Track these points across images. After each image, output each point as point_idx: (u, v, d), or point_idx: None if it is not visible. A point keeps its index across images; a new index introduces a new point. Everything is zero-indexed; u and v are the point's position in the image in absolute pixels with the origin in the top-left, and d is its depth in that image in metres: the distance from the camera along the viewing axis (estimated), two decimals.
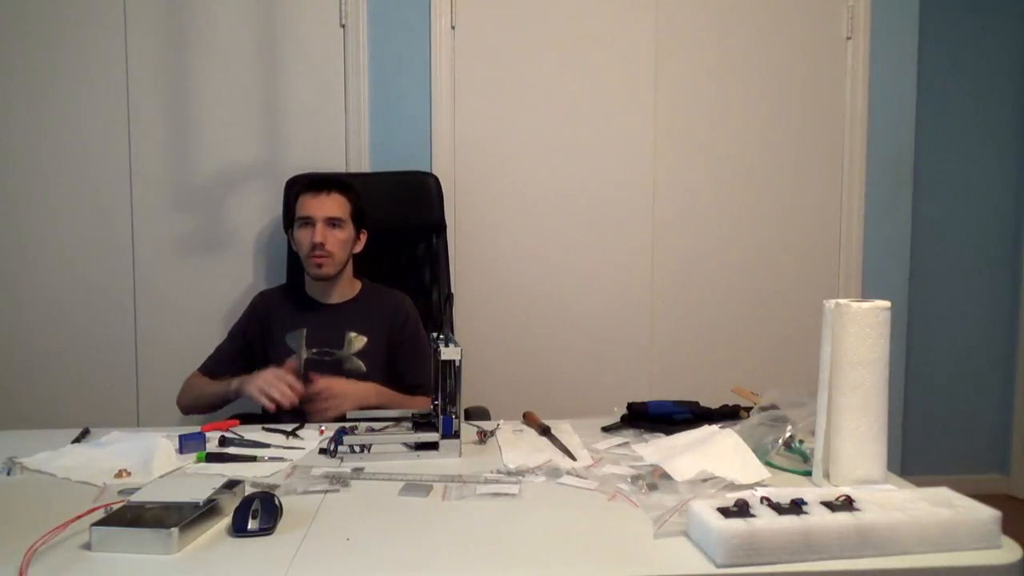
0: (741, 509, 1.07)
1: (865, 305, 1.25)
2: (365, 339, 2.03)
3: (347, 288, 2.09)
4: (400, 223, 2.46)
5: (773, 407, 1.52)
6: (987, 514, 1.09)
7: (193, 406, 2.01)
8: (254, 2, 2.63)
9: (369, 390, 1.89)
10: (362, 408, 1.80)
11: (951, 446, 3.24)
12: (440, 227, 2.48)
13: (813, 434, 1.34)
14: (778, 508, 1.08)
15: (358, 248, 2.11)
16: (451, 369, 1.53)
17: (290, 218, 2.12)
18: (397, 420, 1.73)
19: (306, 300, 2.09)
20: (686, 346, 2.88)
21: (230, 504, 1.17)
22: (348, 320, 2.05)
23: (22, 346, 2.62)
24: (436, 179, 2.51)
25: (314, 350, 2.01)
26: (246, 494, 1.19)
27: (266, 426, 1.71)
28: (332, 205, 2.02)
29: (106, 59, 2.59)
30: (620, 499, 1.26)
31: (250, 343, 2.09)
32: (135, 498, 1.16)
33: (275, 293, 2.18)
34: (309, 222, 2.01)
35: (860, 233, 2.90)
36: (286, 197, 2.43)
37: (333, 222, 2.01)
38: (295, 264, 2.39)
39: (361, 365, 2.01)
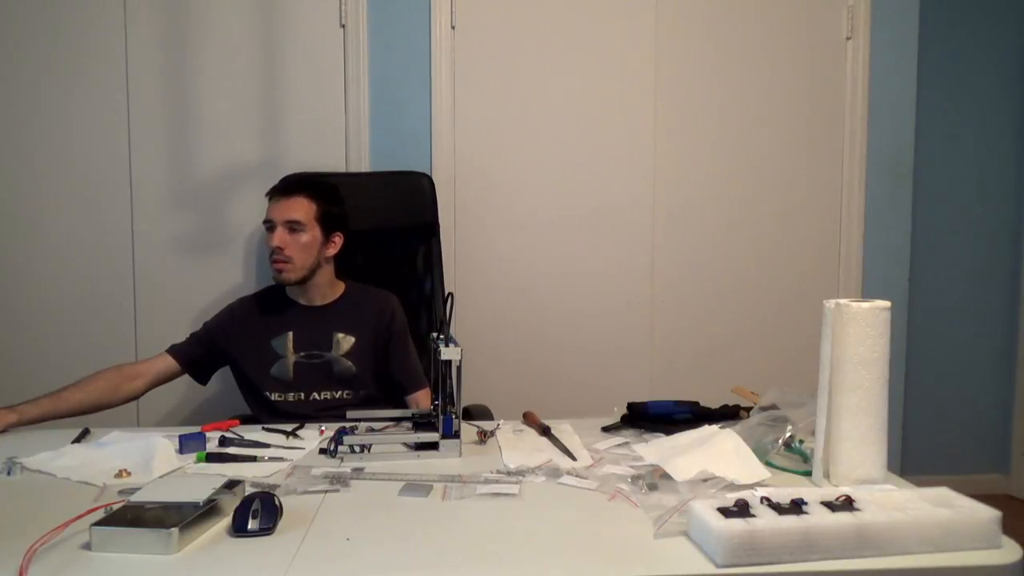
0: (741, 509, 1.07)
1: (865, 305, 1.25)
2: (353, 339, 2.02)
3: (329, 290, 2.07)
4: (394, 223, 2.46)
5: (773, 407, 1.52)
6: (987, 514, 1.09)
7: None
8: (254, 2, 2.63)
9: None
10: None
11: (951, 446, 3.24)
12: (434, 227, 2.48)
13: (813, 434, 1.34)
14: (778, 508, 1.08)
15: (332, 251, 2.05)
16: (451, 369, 1.53)
17: None
18: (397, 420, 1.73)
19: (289, 303, 2.06)
20: (686, 346, 2.88)
21: (230, 504, 1.17)
22: (334, 321, 2.03)
23: (22, 346, 2.62)
24: (430, 179, 2.51)
25: (302, 353, 2.00)
26: (246, 494, 1.19)
27: (266, 426, 1.71)
28: (292, 209, 1.99)
29: (106, 59, 2.59)
30: (620, 499, 1.26)
31: (222, 349, 2.05)
32: (135, 498, 1.16)
33: (256, 300, 2.13)
34: (270, 226, 2.00)
35: (860, 233, 2.90)
36: None
37: (292, 226, 1.97)
38: None
39: (351, 366, 2.00)
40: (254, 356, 2.02)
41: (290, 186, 2.06)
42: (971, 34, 3.15)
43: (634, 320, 2.85)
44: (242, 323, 2.06)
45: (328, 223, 2.03)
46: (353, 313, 2.06)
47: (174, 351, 2.03)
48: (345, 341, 2.01)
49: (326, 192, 2.06)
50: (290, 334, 2.02)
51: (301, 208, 2.00)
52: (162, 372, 2.01)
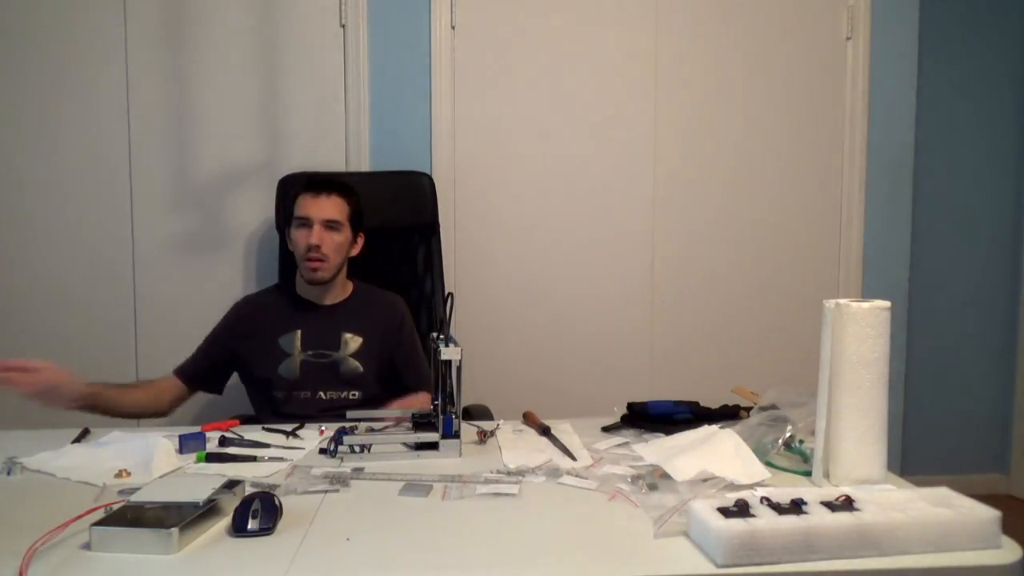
0: (741, 509, 1.07)
1: (865, 305, 1.25)
2: (360, 340, 2.02)
3: (340, 289, 2.07)
4: (394, 223, 2.46)
5: (773, 407, 1.52)
6: (987, 514, 1.09)
7: None
8: (254, 2, 2.63)
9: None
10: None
11: (951, 446, 3.24)
12: (434, 227, 2.48)
13: (813, 434, 1.34)
14: (778, 508, 1.08)
15: (355, 251, 2.07)
16: (451, 369, 1.52)
17: (287, 217, 2.09)
18: (397, 420, 1.73)
19: (299, 301, 2.06)
20: (686, 346, 2.88)
21: (230, 504, 1.17)
22: (343, 321, 2.03)
23: (22, 345, 2.62)
24: (430, 179, 2.52)
25: (310, 352, 2.00)
26: (246, 494, 1.19)
27: (266, 426, 1.71)
28: (330, 207, 1.99)
29: (106, 59, 2.59)
30: (620, 499, 1.26)
31: (232, 351, 2.04)
32: (135, 498, 1.16)
33: (261, 298, 2.14)
34: (306, 223, 1.98)
35: (860, 233, 2.91)
36: (279, 196, 2.43)
37: (330, 225, 1.98)
38: (287, 264, 2.39)
39: (358, 366, 2.00)
40: (261, 354, 2.01)
41: (328, 184, 2.04)
42: (971, 34, 3.15)
43: (634, 320, 2.85)
44: (249, 322, 2.06)
45: (356, 224, 2.05)
46: (362, 313, 2.06)
47: (182, 372, 2.03)
48: (353, 341, 2.02)
49: (354, 192, 2.07)
50: (298, 332, 2.01)
51: (338, 208, 2.00)
52: (176, 395, 2.01)
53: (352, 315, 2.05)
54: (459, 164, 2.74)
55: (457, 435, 1.51)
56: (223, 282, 2.64)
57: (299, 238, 1.99)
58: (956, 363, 3.24)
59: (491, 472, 1.40)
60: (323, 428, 1.68)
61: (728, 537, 1.02)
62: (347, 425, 1.63)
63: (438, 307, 2.39)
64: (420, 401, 2.00)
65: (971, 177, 3.20)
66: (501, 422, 1.74)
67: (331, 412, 1.93)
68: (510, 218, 2.78)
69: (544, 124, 2.77)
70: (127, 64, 2.61)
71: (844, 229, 2.91)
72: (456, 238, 2.73)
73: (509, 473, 1.40)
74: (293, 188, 2.14)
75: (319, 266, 1.97)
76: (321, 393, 1.98)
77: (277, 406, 1.98)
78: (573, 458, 1.47)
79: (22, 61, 2.57)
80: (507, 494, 1.29)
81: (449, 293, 1.68)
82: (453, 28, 2.71)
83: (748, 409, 1.59)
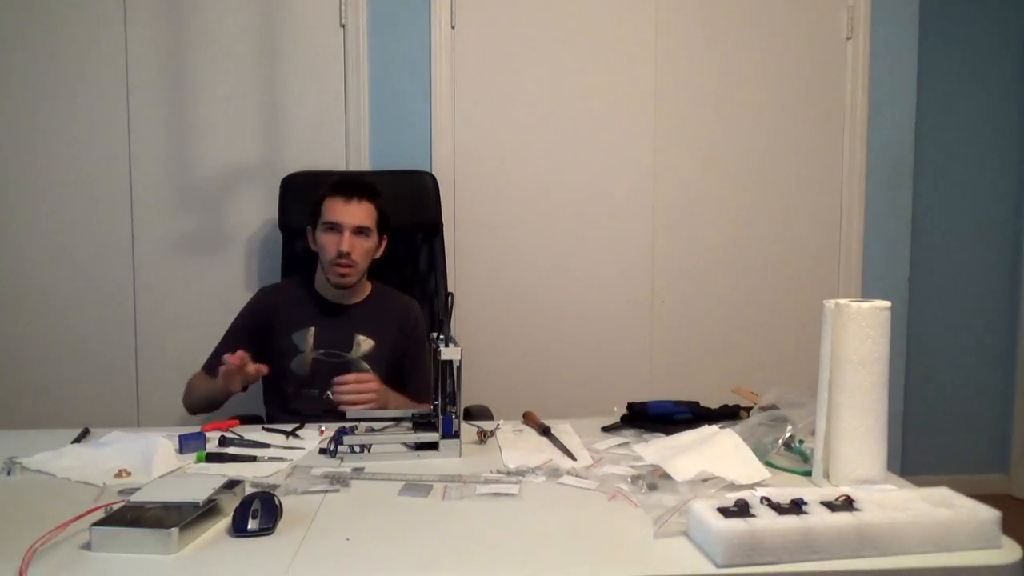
0: (741, 509, 1.07)
1: (865, 305, 1.25)
2: (372, 342, 2.02)
3: (358, 289, 2.07)
4: (397, 222, 2.45)
5: (773, 407, 1.52)
6: (987, 514, 1.09)
7: (195, 406, 1.99)
8: (254, 2, 2.63)
9: (388, 397, 1.87)
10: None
11: (951, 446, 3.24)
12: (437, 227, 2.48)
13: (813, 434, 1.34)
14: (778, 508, 1.08)
15: (379, 254, 2.08)
16: (451, 369, 1.53)
17: (312, 218, 2.06)
18: (397, 420, 1.73)
19: (316, 299, 2.06)
20: (686, 346, 2.87)
21: (230, 504, 1.17)
22: (357, 322, 2.04)
23: (22, 346, 2.62)
24: (434, 179, 2.52)
25: (321, 351, 2.00)
26: (246, 494, 1.19)
27: (266, 426, 1.71)
28: (362, 214, 1.99)
29: (106, 59, 2.59)
30: (620, 499, 1.26)
31: (255, 340, 2.04)
32: (135, 498, 1.16)
33: (280, 290, 2.15)
34: (336, 228, 1.97)
35: (860, 233, 2.90)
36: (283, 195, 2.43)
37: (360, 231, 1.98)
38: (289, 264, 2.39)
39: (368, 369, 2.00)
40: (275, 348, 2.02)
41: (358, 189, 2.03)
42: (971, 34, 3.15)
43: (634, 320, 2.85)
44: (269, 313, 2.07)
45: (383, 227, 2.06)
46: (377, 316, 2.06)
47: (210, 369, 2.01)
48: (365, 343, 2.02)
49: (380, 195, 2.07)
50: (312, 329, 2.02)
51: (368, 214, 2.01)
52: None
53: (367, 317, 2.05)
54: (459, 164, 2.74)
55: (457, 435, 1.51)
56: (224, 282, 2.64)
57: (328, 243, 1.99)
58: (956, 363, 3.24)
59: (491, 472, 1.40)
60: (323, 428, 1.68)
61: (728, 537, 1.02)
62: (347, 425, 1.63)
63: (441, 307, 2.39)
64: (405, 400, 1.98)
65: (971, 177, 3.20)
66: (501, 422, 1.74)
67: (337, 413, 1.92)
68: (510, 218, 2.78)
69: (544, 124, 2.77)
70: (127, 64, 2.60)
71: (844, 229, 2.91)
72: (456, 238, 2.73)
73: (509, 473, 1.40)
74: (320, 189, 2.08)
75: (348, 272, 1.98)
76: (329, 393, 1.98)
77: (286, 401, 1.98)
78: (573, 458, 1.47)
79: (22, 61, 2.57)
80: (507, 494, 1.29)
81: (449, 293, 1.69)
82: (453, 28, 2.71)
83: (748, 409, 1.60)
